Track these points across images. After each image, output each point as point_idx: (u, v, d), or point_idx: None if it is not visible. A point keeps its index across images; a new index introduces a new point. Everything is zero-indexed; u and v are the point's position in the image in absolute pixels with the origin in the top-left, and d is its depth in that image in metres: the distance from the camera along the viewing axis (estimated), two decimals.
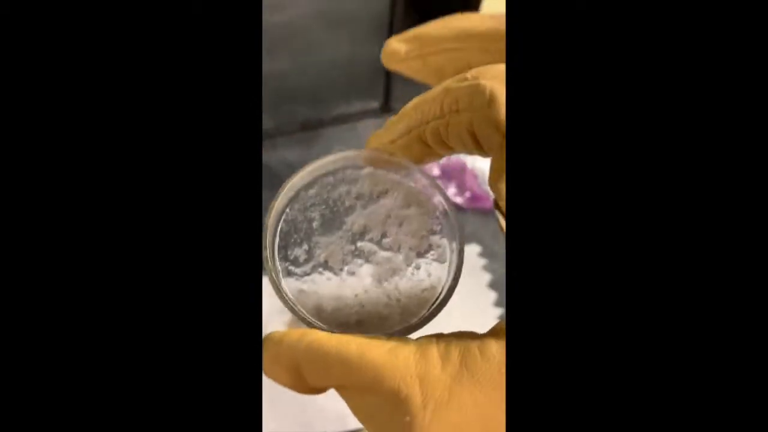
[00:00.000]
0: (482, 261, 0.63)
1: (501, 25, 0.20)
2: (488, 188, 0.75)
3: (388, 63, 0.23)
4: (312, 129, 0.71)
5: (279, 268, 0.20)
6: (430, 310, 0.20)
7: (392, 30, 0.60)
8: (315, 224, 0.21)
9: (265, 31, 0.19)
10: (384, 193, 0.22)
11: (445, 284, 0.21)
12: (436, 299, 0.21)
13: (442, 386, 0.16)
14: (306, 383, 0.18)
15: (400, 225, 0.21)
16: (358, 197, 0.21)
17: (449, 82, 0.19)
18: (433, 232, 0.21)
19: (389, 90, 0.67)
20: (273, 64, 0.80)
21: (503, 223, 0.16)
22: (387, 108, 0.69)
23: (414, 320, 0.20)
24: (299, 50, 0.85)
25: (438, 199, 0.21)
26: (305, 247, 0.21)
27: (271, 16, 0.87)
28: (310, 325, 0.20)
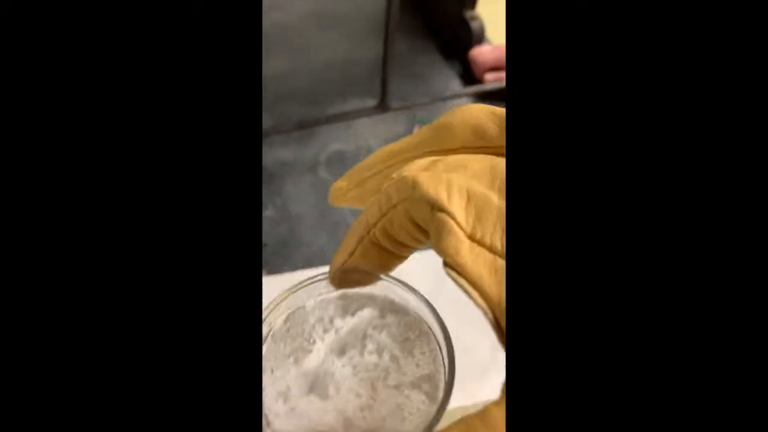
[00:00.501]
0: None
1: (421, 137, 0.21)
2: None
3: (335, 201, 0.24)
4: (308, 128, 0.71)
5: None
6: (440, 402, 0.20)
7: (388, 29, 0.60)
8: (292, 359, 0.21)
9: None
10: (359, 309, 0.22)
11: (443, 372, 0.20)
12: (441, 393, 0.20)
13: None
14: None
15: (380, 333, 0.21)
16: (332, 321, 0.22)
17: (384, 156, 0.21)
18: (416, 334, 0.21)
19: (386, 88, 0.67)
20: (269, 64, 0.81)
21: (456, 277, 0.16)
22: (383, 106, 0.69)
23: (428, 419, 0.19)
24: (295, 49, 0.86)
25: (413, 298, 0.22)
26: (286, 382, 0.20)
27: (267, 16, 0.87)
28: None
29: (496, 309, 0.15)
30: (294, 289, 0.22)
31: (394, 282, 0.22)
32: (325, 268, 0.22)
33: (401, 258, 0.21)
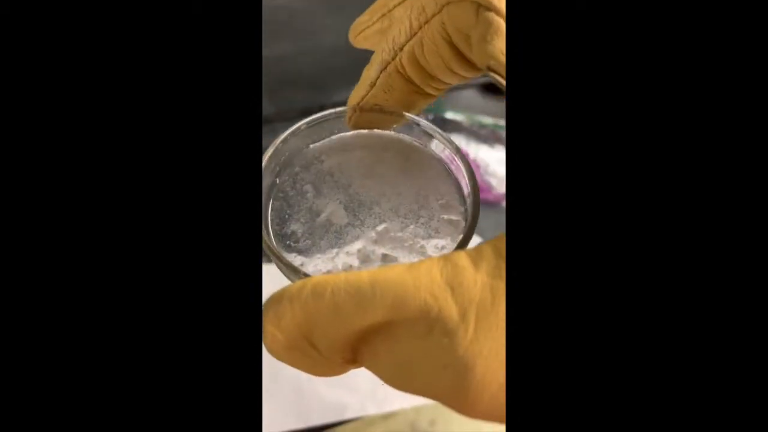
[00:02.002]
0: None
1: None
2: (490, 179, 0.75)
3: (355, 39, 0.21)
4: (312, 114, 0.69)
5: (274, 242, 0.18)
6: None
7: None
8: (309, 196, 0.19)
9: (265, 14, 0.18)
10: (380, 153, 0.19)
11: (465, 223, 0.18)
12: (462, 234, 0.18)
13: (480, 287, 0.13)
14: (316, 351, 0.15)
15: (399, 187, 0.18)
16: (348, 167, 0.19)
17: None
18: (438, 187, 0.18)
19: None
20: (273, 49, 0.79)
21: (500, 80, 0.14)
22: None
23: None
24: (300, 34, 0.84)
25: (435, 143, 0.19)
26: (302, 221, 0.18)
27: (270, 0, 0.86)
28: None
29: None
30: (303, 127, 0.19)
31: (422, 123, 0.19)
32: None
33: (428, 97, 0.18)
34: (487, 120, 0.78)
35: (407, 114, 0.18)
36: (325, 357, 0.15)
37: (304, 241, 0.18)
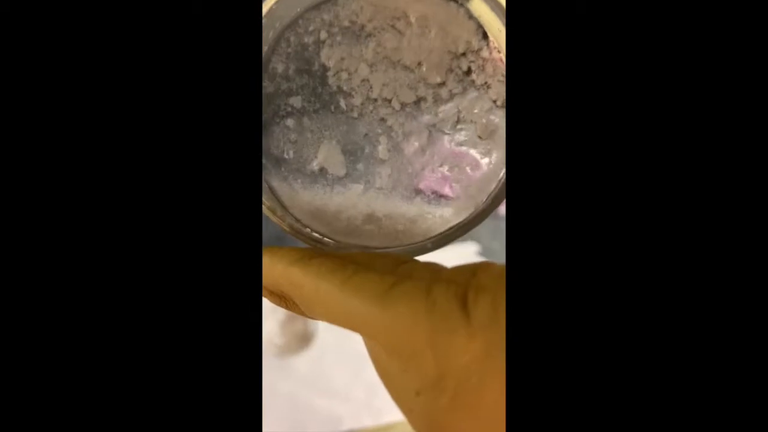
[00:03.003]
0: (480, 260, 0.62)
1: None
2: None
3: None
4: None
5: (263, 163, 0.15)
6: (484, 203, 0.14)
7: None
8: (301, 107, 0.15)
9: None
10: (393, 20, 0.14)
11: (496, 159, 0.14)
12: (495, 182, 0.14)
13: (469, 359, 0.11)
14: (290, 303, 0.15)
15: (419, 65, 0.14)
16: (354, 55, 0.14)
17: None
18: (462, 64, 0.14)
19: None
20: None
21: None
22: None
23: (453, 222, 0.14)
24: None
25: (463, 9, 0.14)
26: (289, 120, 0.15)
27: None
28: (302, 236, 0.15)
29: None
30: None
31: None
32: None
33: None
34: None
35: None
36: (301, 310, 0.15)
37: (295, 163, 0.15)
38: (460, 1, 0.14)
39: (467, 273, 0.13)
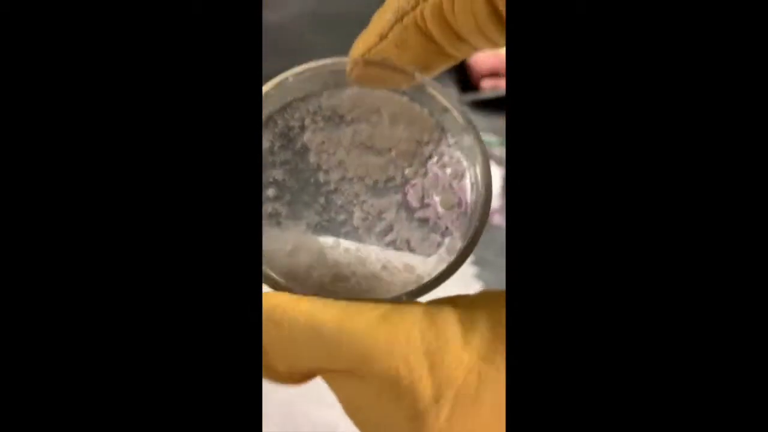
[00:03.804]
0: (473, 269, 0.62)
1: None
2: None
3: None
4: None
5: None
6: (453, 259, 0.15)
7: None
8: (282, 180, 0.16)
9: None
10: (368, 114, 0.16)
11: (475, 206, 0.16)
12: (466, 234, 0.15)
13: (465, 369, 0.11)
14: (273, 370, 0.14)
15: (389, 150, 0.16)
16: (334, 138, 0.16)
17: None
18: (443, 181, 0.16)
19: None
20: (264, 65, 0.79)
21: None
22: None
23: (426, 278, 0.15)
24: (289, 53, 0.84)
25: (450, 119, 0.16)
26: (270, 190, 0.16)
27: (263, 16, 0.86)
28: (276, 286, 0.15)
29: None
30: (290, 79, 0.16)
31: (435, 88, 0.15)
32: None
33: (448, 59, 0.15)
34: None
35: (420, 74, 0.15)
36: (281, 374, 0.14)
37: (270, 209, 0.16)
38: (425, 106, 0.16)
39: (465, 297, 0.13)
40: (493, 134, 0.78)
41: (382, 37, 0.15)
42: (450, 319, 0.11)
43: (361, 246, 0.16)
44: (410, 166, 0.16)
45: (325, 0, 0.89)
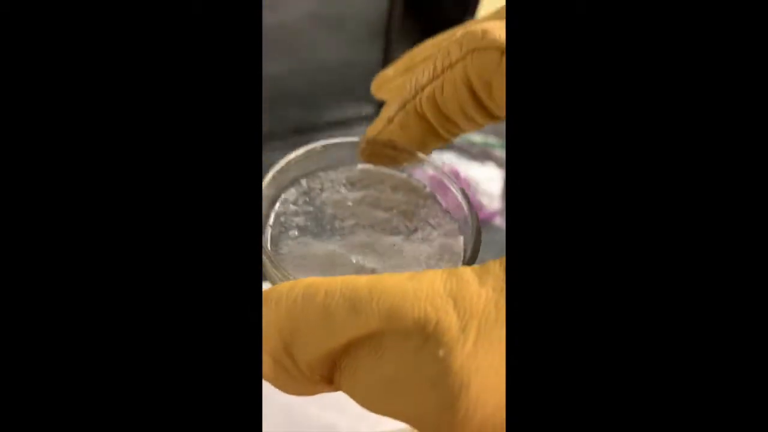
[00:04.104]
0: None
1: (483, 18, 0.19)
2: (480, 197, 0.75)
3: (378, 91, 0.21)
4: (305, 133, 0.70)
5: (268, 242, 0.19)
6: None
7: (390, 33, 0.59)
8: (304, 225, 0.19)
9: None
10: (375, 183, 0.20)
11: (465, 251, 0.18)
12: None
13: (484, 301, 0.12)
14: (292, 363, 0.14)
15: (392, 209, 0.19)
16: (348, 198, 0.20)
17: (441, 41, 0.18)
18: (428, 211, 0.19)
19: None
20: (265, 66, 0.79)
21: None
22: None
23: None
24: (292, 52, 0.84)
25: (448, 182, 0.19)
26: (297, 243, 0.19)
27: (264, 17, 0.86)
28: None
29: None
30: (313, 152, 0.19)
31: (431, 164, 0.19)
32: None
33: (441, 139, 0.19)
34: (477, 138, 0.78)
35: (418, 153, 0.19)
36: (302, 371, 0.14)
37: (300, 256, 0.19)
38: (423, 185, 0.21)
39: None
40: (495, 136, 0.78)
41: (389, 121, 0.19)
42: (467, 270, 0.13)
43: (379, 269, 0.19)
44: (410, 221, 0.19)
45: (326, 0, 0.89)
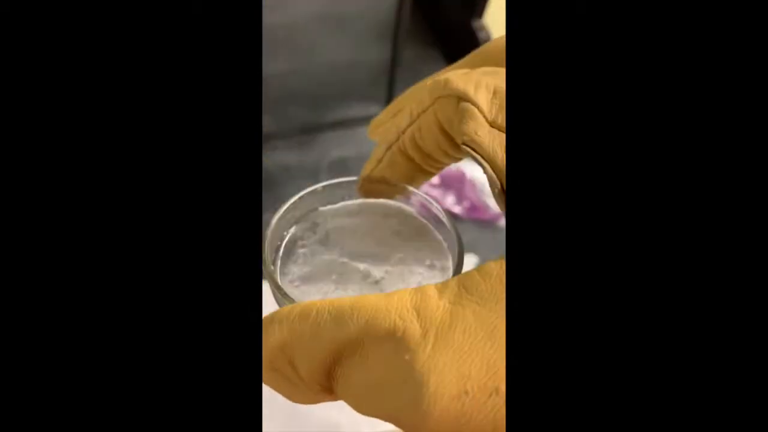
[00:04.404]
0: None
1: (460, 63, 0.22)
2: (486, 199, 0.75)
3: (372, 134, 0.24)
4: (311, 132, 0.70)
5: (277, 272, 0.21)
6: None
7: (398, 34, 0.59)
8: (311, 248, 0.22)
9: (265, 31, 0.19)
10: (380, 219, 0.23)
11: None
12: None
13: (441, 311, 0.15)
14: (296, 374, 0.17)
15: (395, 248, 0.22)
16: (349, 231, 0.23)
17: (418, 89, 0.21)
18: (432, 256, 0.22)
19: (391, 95, 0.67)
20: (272, 66, 0.80)
21: (474, 155, 0.17)
22: None
23: None
24: (299, 52, 0.85)
25: (435, 210, 0.22)
26: (303, 265, 0.21)
27: (271, 17, 0.86)
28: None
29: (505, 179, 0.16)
30: (314, 192, 0.22)
31: (419, 195, 0.22)
32: None
33: (427, 173, 0.21)
34: None
35: (408, 186, 0.22)
36: (304, 381, 0.17)
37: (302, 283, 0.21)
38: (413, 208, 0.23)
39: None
40: None
41: (379, 161, 0.22)
42: (430, 286, 0.15)
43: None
44: (406, 241, 0.22)
45: (333, 0, 0.89)
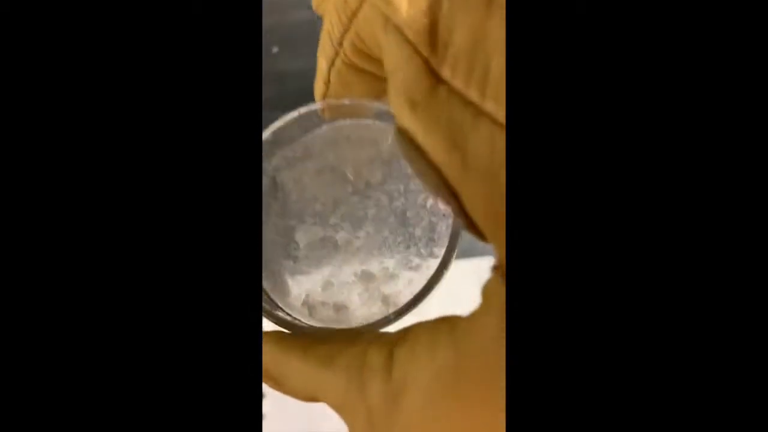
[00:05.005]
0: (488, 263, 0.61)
1: None
2: None
3: (318, 5, 0.19)
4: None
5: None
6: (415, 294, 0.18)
7: None
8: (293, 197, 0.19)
9: (287, 28, 0.18)
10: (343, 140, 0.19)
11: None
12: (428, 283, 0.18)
13: (380, 401, 0.15)
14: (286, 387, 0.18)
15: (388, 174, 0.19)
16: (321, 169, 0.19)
17: None
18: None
19: None
20: (294, 63, 0.80)
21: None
22: None
23: (392, 311, 0.18)
24: (306, 51, 0.84)
25: None
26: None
27: (293, 14, 0.87)
28: (272, 317, 0.18)
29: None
30: (289, 119, 0.19)
31: (383, 109, 0.18)
32: None
33: (385, 81, 0.17)
34: None
35: (378, 104, 0.18)
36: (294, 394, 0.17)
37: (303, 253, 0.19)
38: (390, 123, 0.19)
39: (403, 330, 0.16)
40: None
41: (326, 83, 0.18)
42: (379, 362, 0.15)
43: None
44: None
45: None
